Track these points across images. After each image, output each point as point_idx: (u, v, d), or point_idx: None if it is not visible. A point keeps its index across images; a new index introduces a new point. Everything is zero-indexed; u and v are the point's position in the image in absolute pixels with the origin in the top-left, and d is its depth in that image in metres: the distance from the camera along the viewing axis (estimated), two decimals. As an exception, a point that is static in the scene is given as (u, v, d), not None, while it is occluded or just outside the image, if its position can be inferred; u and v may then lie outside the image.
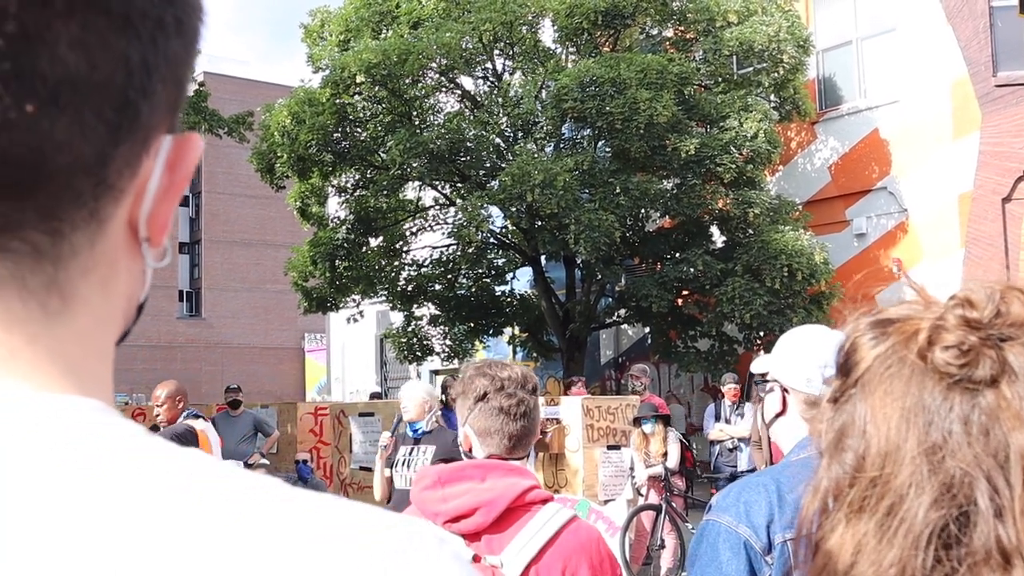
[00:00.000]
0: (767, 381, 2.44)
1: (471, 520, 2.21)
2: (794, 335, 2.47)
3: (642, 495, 9.59)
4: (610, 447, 9.99)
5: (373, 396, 17.72)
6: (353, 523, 0.49)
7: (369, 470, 12.71)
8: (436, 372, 24.59)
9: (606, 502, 9.34)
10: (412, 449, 6.29)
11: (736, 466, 10.90)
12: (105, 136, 0.51)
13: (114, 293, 0.56)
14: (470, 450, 2.43)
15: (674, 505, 9.37)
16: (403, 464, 6.26)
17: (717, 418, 11.32)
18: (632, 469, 9.70)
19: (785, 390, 2.41)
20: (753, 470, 9.96)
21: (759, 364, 2.50)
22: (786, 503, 2.06)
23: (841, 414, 0.92)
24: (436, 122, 16.32)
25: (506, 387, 2.38)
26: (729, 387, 11.27)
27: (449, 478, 2.28)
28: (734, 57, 15.61)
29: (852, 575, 0.87)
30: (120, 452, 0.49)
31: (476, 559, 2.19)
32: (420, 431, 6.28)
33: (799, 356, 2.37)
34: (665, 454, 9.52)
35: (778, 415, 2.41)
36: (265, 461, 10.77)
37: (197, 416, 6.88)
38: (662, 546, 9.28)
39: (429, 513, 2.26)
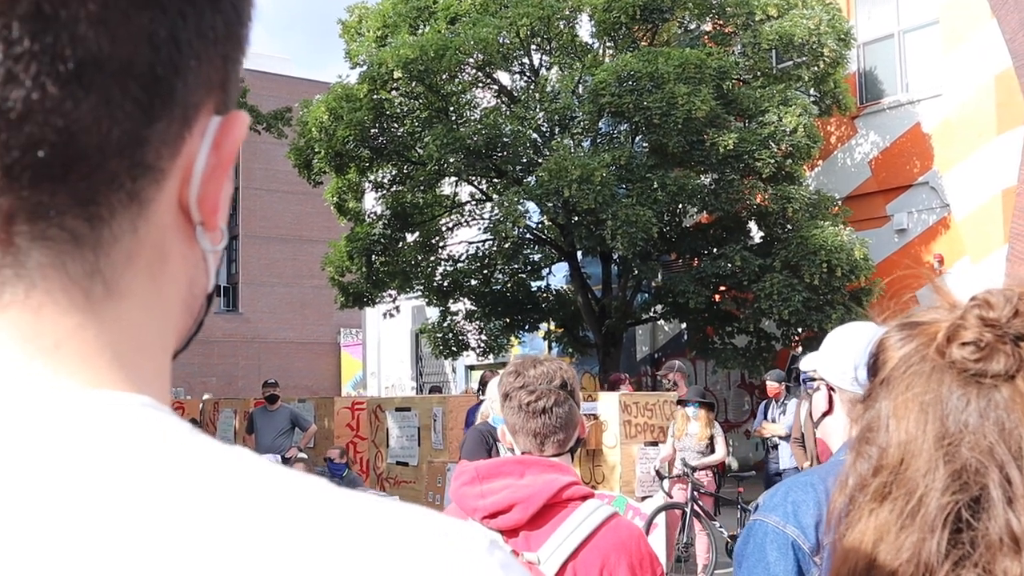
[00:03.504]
0: (815, 380, 2.41)
1: (508, 516, 2.20)
2: (841, 333, 2.43)
3: (668, 494, 9.53)
4: (648, 443, 9.96)
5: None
6: (400, 526, 0.48)
7: (406, 464, 12.75)
8: (471, 367, 24.62)
9: (643, 499, 9.31)
10: None
11: (777, 463, 10.80)
12: (136, 114, 0.49)
13: (165, 280, 0.54)
14: (512, 448, 2.43)
15: (701, 504, 9.30)
16: None
17: (764, 416, 11.19)
18: (658, 472, 9.65)
19: (832, 389, 2.37)
20: (797, 468, 9.87)
21: (807, 362, 2.46)
22: None
23: (868, 412, 0.99)
24: (473, 118, 16.32)
25: (528, 384, 2.37)
26: (771, 384, 11.15)
27: (488, 474, 2.27)
28: (773, 51, 15.48)
29: (873, 561, 0.92)
30: (165, 453, 0.47)
31: (514, 555, 2.17)
32: None
33: (845, 354, 2.33)
34: (711, 439, 9.49)
35: (825, 414, 2.38)
36: (303, 455, 10.81)
37: None
38: (689, 544, 9.23)
39: (468, 509, 2.25)
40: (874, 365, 1.00)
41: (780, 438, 10.67)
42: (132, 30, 0.48)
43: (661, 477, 9.58)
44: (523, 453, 2.37)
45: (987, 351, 0.91)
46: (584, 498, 2.25)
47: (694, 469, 9.31)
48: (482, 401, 10.75)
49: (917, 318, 0.98)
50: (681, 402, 9.81)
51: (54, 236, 0.49)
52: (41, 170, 0.47)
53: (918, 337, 0.96)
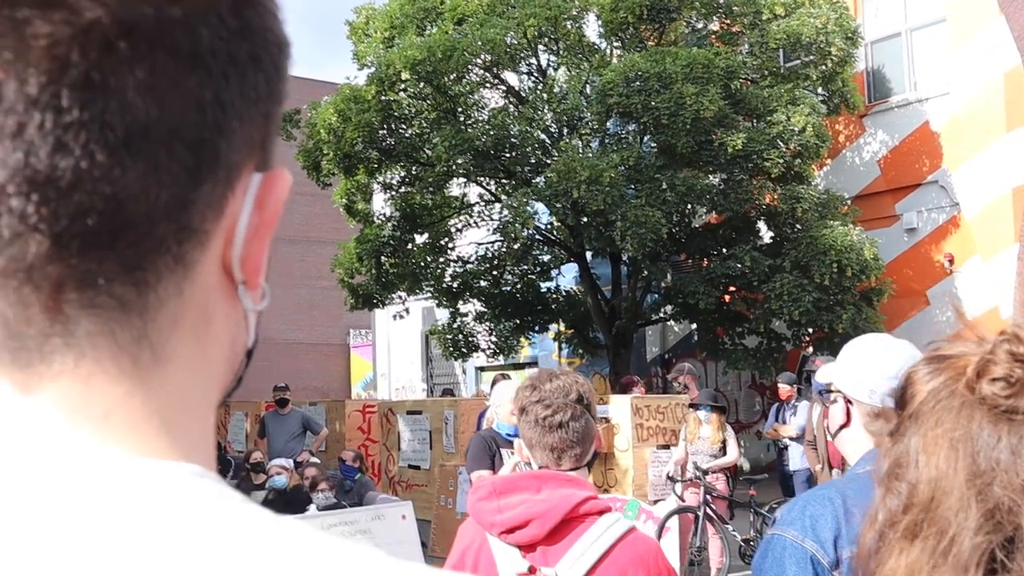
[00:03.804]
0: (832, 391, 2.40)
1: (526, 531, 2.20)
2: (857, 345, 2.42)
3: (681, 497, 9.49)
4: (660, 447, 9.94)
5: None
6: None
7: (417, 468, 12.76)
8: (482, 369, 24.60)
9: (655, 502, 9.29)
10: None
11: (787, 465, 10.78)
12: (183, 179, 0.49)
13: (209, 342, 0.54)
14: (528, 462, 2.43)
15: (714, 507, 9.28)
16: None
17: (776, 418, 11.18)
18: (670, 477, 9.62)
19: (849, 401, 2.37)
20: (809, 473, 9.85)
21: (824, 374, 2.46)
22: (853, 517, 2.02)
23: (897, 446, 0.97)
24: (481, 118, 16.32)
25: (544, 398, 2.37)
26: (783, 387, 11.13)
27: (504, 489, 2.27)
28: (781, 50, 15.42)
29: None
30: (215, 525, 0.47)
31: (532, 570, 2.17)
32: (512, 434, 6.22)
33: (863, 367, 2.32)
34: (724, 443, 9.46)
35: (843, 426, 2.37)
36: (315, 459, 10.82)
37: None
38: (702, 548, 9.21)
39: (485, 524, 2.25)
40: (902, 398, 0.98)
41: (791, 439, 10.67)
42: (180, 95, 0.48)
43: (674, 481, 9.56)
44: (540, 467, 2.38)
45: (1018, 387, 0.89)
46: (601, 513, 2.25)
47: (706, 472, 9.29)
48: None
49: (945, 351, 0.97)
50: (693, 405, 9.79)
51: (103, 304, 0.49)
52: (90, 238, 0.47)
53: (947, 371, 0.94)
